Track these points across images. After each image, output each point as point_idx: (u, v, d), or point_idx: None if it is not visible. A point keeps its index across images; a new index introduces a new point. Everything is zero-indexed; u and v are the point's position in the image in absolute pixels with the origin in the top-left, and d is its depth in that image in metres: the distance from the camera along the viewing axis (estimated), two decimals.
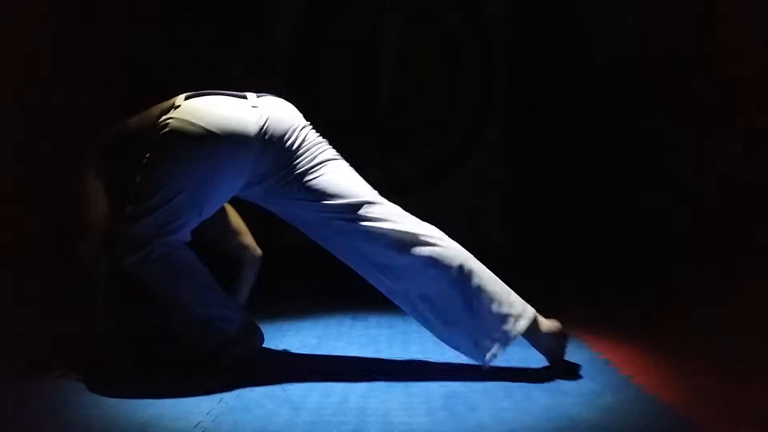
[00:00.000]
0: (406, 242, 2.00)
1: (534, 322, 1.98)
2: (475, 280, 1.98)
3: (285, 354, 2.23)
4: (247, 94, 2.07)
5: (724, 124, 3.09)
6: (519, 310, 1.97)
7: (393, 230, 2.01)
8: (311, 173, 2.05)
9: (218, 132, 1.95)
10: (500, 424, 1.63)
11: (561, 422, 1.63)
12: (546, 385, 1.88)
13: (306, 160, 2.05)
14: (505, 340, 1.96)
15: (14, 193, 2.90)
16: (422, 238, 2.01)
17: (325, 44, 4.59)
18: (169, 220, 1.97)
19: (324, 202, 2.03)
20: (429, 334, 2.41)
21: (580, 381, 1.92)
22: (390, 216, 2.03)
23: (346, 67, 4.62)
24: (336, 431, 1.59)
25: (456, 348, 2.05)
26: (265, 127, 1.99)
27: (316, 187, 2.04)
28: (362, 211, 2.02)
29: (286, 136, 2.03)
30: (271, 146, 2.01)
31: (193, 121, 1.95)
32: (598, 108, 3.86)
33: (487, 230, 4.41)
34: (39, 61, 3.05)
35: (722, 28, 3.08)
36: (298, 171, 2.04)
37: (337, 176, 2.07)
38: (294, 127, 2.06)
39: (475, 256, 2.06)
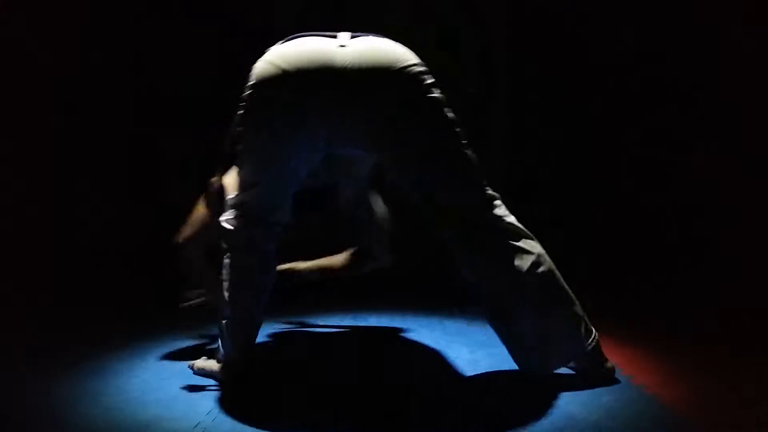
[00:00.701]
0: (502, 257, 1.84)
1: (590, 359, 1.90)
2: (554, 310, 1.86)
3: (284, 354, 2.23)
4: (340, 33, 1.81)
5: (723, 124, 3.09)
6: (585, 352, 1.88)
7: (498, 245, 1.84)
8: (418, 142, 1.78)
9: (295, 70, 1.74)
10: (500, 424, 1.62)
11: (561, 422, 1.63)
12: (546, 385, 1.88)
13: (410, 119, 1.77)
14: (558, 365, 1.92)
15: (14, 193, 2.90)
16: (521, 254, 1.84)
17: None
18: (246, 181, 1.85)
19: (435, 190, 1.81)
20: (429, 333, 2.43)
21: (580, 381, 1.91)
22: (500, 228, 1.85)
23: None
24: (336, 431, 1.59)
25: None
26: (349, 69, 1.73)
27: (425, 166, 1.80)
28: (475, 218, 1.83)
29: (381, 83, 1.75)
30: (360, 93, 1.74)
31: (273, 60, 1.78)
32: (599, 108, 3.86)
33: None
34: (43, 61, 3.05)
35: (721, 27, 3.08)
36: (399, 134, 1.78)
37: (448, 156, 1.80)
38: (394, 72, 1.75)
39: None
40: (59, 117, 3.20)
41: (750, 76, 2.94)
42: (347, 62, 1.74)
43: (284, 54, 1.78)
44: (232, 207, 1.89)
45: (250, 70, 1.82)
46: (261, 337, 2.40)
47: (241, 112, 1.83)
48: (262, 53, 1.84)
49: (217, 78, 4.00)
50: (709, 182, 3.14)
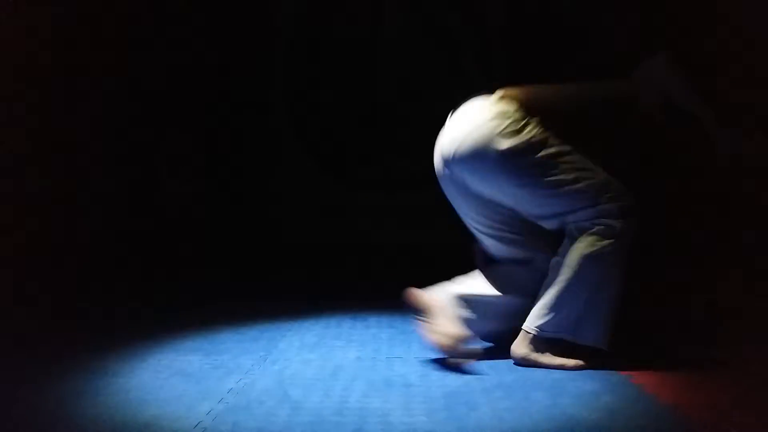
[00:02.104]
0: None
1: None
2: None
3: (285, 354, 2.23)
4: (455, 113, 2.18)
5: (724, 124, 3.08)
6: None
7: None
8: (505, 191, 2.09)
9: (437, 154, 2.18)
10: (500, 424, 1.62)
11: (561, 422, 1.63)
12: (546, 385, 1.88)
13: (488, 177, 2.08)
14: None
15: (14, 193, 2.90)
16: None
17: (325, 44, 4.59)
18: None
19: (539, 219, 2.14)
20: None
21: (580, 381, 1.92)
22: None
23: (346, 67, 4.62)
24: (336, 431, 1.59)
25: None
26: (445, 149, 2.12)
27: (521, 206, 2.11)
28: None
29: (460, 157, 2.08)
30: (461, 168, 2.10)
31: (436, 145, 2.19)
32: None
33: None
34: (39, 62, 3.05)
35: (722, 27, 3.08)
36: (489, 190, 2.10)
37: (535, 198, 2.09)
38: (466, 144, 2.06)
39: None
40: (60, 116, 3.20)
41: (751, 74, 2.93)
42: (446, 142, 2.13)
43: (439, 139, 2.17)
44: None
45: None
46: (263, 339, 2.41)
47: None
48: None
49: (217, 78, 4.01)
50: (708, 182, 3.13)
